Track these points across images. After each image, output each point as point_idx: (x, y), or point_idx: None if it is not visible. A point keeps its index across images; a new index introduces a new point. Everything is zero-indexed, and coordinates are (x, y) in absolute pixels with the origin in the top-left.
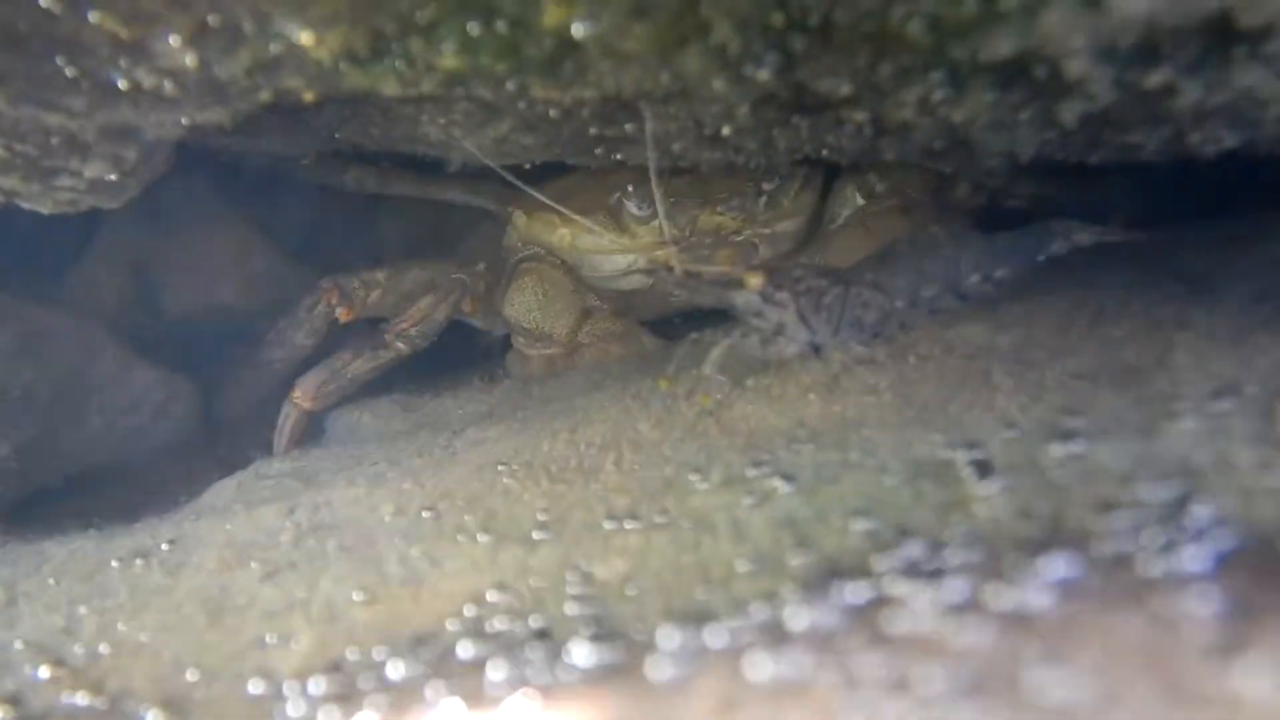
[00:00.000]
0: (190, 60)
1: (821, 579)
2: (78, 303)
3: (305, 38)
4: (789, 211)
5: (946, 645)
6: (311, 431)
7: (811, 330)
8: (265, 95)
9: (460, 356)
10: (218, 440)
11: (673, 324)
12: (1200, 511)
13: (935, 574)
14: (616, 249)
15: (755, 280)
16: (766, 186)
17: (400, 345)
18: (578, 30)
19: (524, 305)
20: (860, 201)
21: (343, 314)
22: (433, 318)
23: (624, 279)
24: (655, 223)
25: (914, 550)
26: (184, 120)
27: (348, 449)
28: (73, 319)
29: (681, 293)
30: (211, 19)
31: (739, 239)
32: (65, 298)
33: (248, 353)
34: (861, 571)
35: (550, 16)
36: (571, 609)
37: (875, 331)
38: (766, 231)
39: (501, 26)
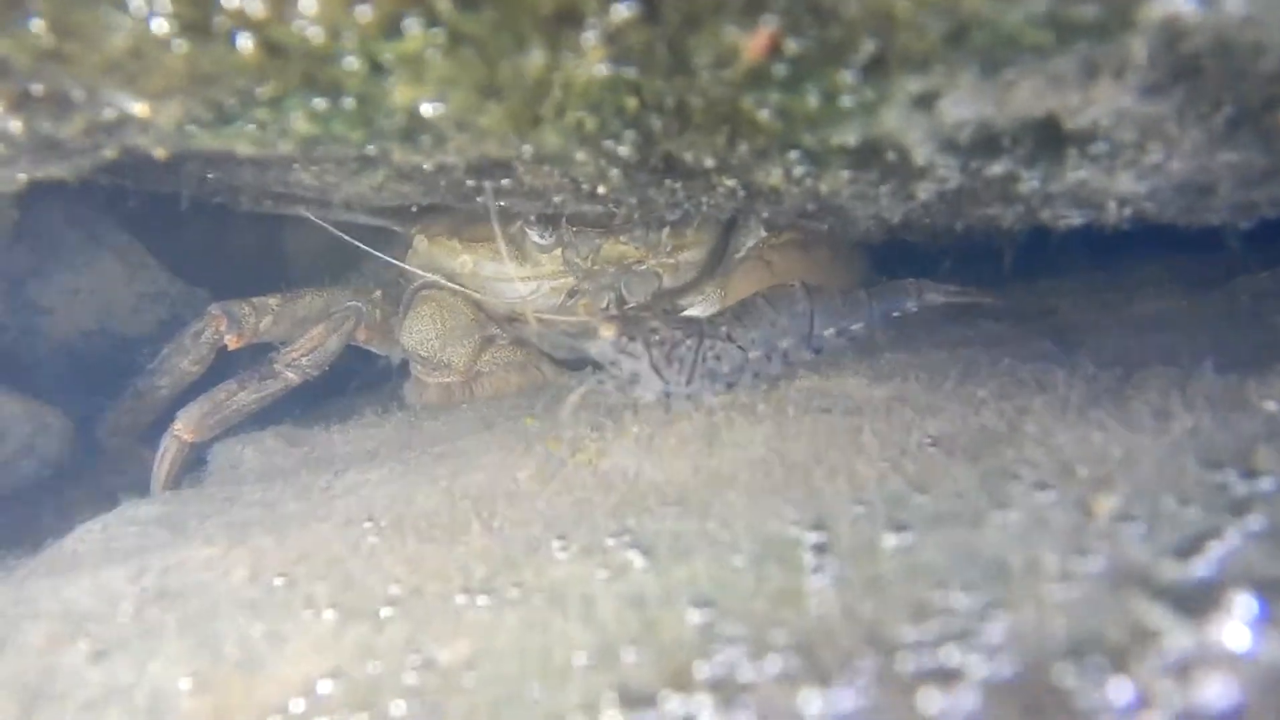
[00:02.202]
0: (15, 125)
1: (638, 694)
2: None
3: (140, 109)
4: (693, 241)
5: None
6: (193, 461)
7: (664, 380)
8: (110, 153)
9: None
10: (99, 468)
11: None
12: (994, 629)
13: (737, 695)
14: (518, 276)
15: (609, 331)
16: (670, 216)
17: (290, 375)
18: (427, 110)
19: (421, 333)
20: (763, 233)
21: (231, 341)
22: (325, 346)
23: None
24: (557, 251)
25: (733, 655)
26: (20, 176)
27: (224, 489)
28: None
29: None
30: (35, 88)
31: (643, 268)
32: None
33: (133, 378)
34: (678, 685)
35: (399, 96)
36: (398, 708)
37: (730, 382)
38: (670, 261)
39: (349, 103)
